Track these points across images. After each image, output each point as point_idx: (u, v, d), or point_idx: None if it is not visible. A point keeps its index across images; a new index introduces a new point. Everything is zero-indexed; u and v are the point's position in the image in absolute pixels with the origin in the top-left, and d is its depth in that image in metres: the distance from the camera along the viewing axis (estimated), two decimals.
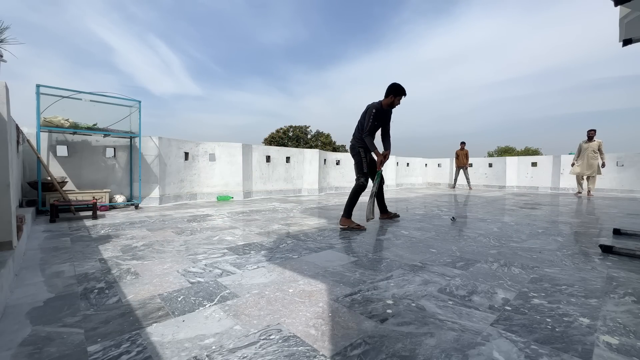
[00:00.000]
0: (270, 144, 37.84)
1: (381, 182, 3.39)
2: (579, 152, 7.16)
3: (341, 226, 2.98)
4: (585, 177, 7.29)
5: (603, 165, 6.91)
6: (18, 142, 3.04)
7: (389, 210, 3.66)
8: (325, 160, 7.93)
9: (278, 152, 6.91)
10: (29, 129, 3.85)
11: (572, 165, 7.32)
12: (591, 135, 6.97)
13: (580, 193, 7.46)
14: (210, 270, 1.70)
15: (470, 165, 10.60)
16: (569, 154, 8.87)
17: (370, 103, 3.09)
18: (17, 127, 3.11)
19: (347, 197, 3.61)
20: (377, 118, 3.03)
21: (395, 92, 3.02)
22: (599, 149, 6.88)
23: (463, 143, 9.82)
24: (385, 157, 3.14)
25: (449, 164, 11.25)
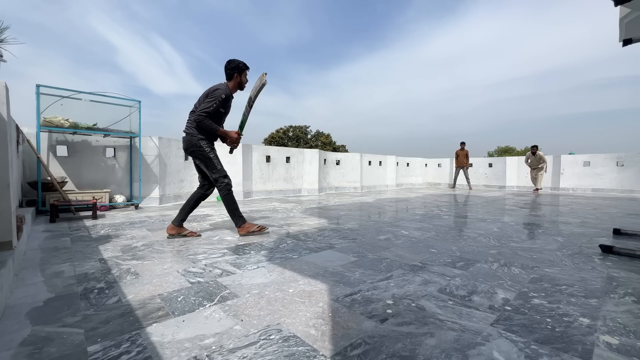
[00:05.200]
0: (270, 144, 37.85)
1: (207, 184, 2.64)
2: (527, 160, 8.96)
3: (242, 234, 2.56)
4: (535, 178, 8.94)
5: (544, 170, 8.83)
6: (18, 142, 3.04)
7: (185, 225, 2.71)
8: (325, 160, 7.93)
9: (278, 152, 6.91)
10: (29, 129, 3.85)
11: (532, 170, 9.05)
12: (534, 151, 8.73)
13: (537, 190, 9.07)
14: (210, 270, 1.70)
15: (471, 165, 10.60)
16: (569, 153, 8.93)
17: (216, 85, 2.56)
18: (17, 127, 3.11)
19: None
20: (224, 104, 2.54)
21: (239, 68, 2.57)
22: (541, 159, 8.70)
23: (463, 143, 9.82)
24: (238, 136, 2.60)
25: (449, 164, 11.25)
